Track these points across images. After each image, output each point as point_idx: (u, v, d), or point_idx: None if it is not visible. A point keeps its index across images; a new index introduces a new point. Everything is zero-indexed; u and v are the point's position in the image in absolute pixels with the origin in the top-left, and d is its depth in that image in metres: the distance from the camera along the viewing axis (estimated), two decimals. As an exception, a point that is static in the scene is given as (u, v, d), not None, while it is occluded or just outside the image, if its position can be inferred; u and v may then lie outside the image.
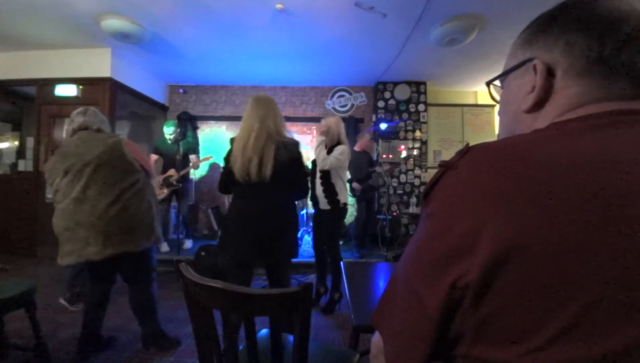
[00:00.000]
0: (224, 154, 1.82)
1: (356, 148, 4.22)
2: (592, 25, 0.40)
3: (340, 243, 4.62)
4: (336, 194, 2.57)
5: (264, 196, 1.72)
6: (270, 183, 1.69)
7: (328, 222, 2.66)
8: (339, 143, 2.63)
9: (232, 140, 1.80)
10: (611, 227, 0.29)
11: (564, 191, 0.31)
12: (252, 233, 1.71)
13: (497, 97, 0.55)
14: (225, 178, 1.79)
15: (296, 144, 1.77)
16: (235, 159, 1.70)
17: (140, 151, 1.98)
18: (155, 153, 4.06)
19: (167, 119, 5.43)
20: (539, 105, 0.44)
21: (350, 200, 4.66)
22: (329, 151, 2.57)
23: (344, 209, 2.64)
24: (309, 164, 2.72)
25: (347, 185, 4.22)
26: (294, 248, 1.81)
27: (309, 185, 1.90)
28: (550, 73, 0.42)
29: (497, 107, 0.56)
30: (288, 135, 1.79)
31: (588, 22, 0.40)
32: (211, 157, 4.31)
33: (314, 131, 5.29)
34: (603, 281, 0.29)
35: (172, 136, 4.01)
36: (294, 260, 1.88)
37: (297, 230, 1.85)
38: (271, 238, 1.71)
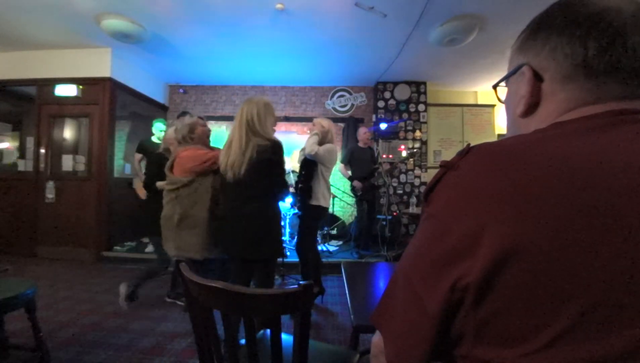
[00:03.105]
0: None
1: (360, 144, 4.27)
2: (575, 27, 0.39)
3: (340, 243, 4.63)
4: (309, 198, 2.57)
5: (239, 196, 1.77)
6: (244, 183, 1.73)
7: (301, 221, 2.74)
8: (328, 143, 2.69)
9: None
10: (611, 228, 0.29)
11: (564, 192, 0.31)
12: (232, 231, 1.78)
13: (504, 99, 0.55)
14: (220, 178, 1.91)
15: (271, 145, 1.75)
16: (221, 161, 1.81)
17: (190, 159, 2.05)
18: (139, 152, 3.96)
19: (169, 118, 5.42)
20: (530, 110, 0.45)
21: (351, 200, 4.70)
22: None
23: (316, 209, 2.61)
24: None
25: (348, 183, 4.29)
26: (273, 248, 1.82)
27: (285, 185, 1.89)
28: (539, 78, 0.43)
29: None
30: (269, 136, 1.80)
31: (571, 24, 0.40)
32: None
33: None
34: (604, 282, 0.29)
35: (163, 133, 3.96)
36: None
37: (276, 230, 1.84)
38: (248, 237, 1.74)
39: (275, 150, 1.76)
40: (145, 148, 3.93)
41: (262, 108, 1.80)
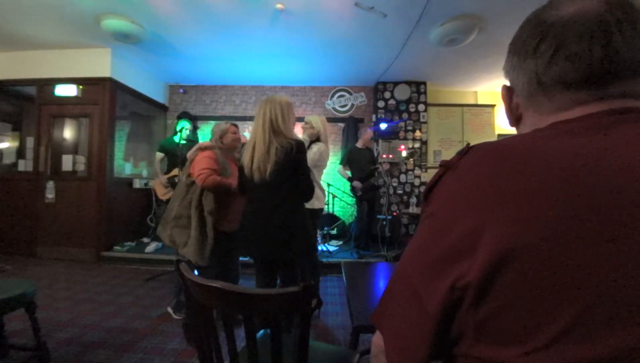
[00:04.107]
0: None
1: (358, 145, 4.28)
2: (527, 46, 0.42)
3: (340, 243, 4.63)
4: None
5: (266, 197, 1.75)
6: (271, 184, 1.71)
7: None
8: (318, 139, 2.53)
9: (245, 143, 1.87)
10: (610, 228, 0.29)
11: (563, 193, 0.31)
12: (256, 232, 1.75)
13: None
14: (240, 179, 1.89)
15: (295, 145, 1.72)
16: (243, 162, 1.79)
17: (201, 162, 2.09)
18: (161, 152, 3.97)
19: (169, 119, 5.44)
20: (516, 122, 0.48)
21: (351, 200, 4.70)
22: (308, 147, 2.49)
23: (310, 211, 2.42)
24: None
25: (348, 184, 4.29)
26: (300, 248, 1.80)
27: (311, 184, 1.83)
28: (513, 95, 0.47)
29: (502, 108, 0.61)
30: (293, 135, 1.78)
31: (524, 43, 0.42)
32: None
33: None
34: (603, 282, 0.29)
35: (188, 132, 3.98)
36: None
37: (300, 232, 1.80)
38: (272, 238, 1.72)
39: (300, 149, 1.73)
40: (166, 147, 3.96)
41: (285, 107, 1.77)
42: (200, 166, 2.07)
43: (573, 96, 0.39)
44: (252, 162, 1.73)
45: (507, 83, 0.49)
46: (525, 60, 0.42)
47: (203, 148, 2.19)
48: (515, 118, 0.48)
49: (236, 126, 2.35)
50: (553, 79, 0.39)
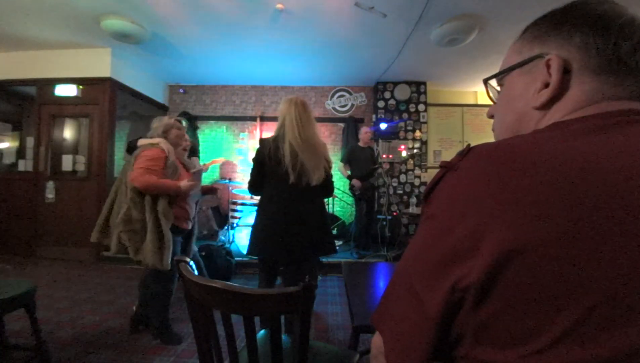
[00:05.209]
0: (253, 154, 1.86)
1: (360, 144, 4.30)
2: (608, 24, 0.40)
3: (340, 243, 4.62)
4: None
5: (303, 199, 1.77)
6: (312, 186, 1.76)
7: None
8: None
9: (262, 141, 1.82)
10: (613, 229, 0.29)
11: (565, 193, 0.31)
12: (291, 234, 1.74)
13: (494, 96, 0.54)
14: (258, 178, 1.82)
15: (326, 147, 1.86)
16: (288, 161, 1.70)
17: (139, 159, 1.94)
18: None
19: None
20: (551, 101, 0.43)
21: (350, 200, 4.70)
22: None
23: None
24: None
25: (347, 183, 4.29)
26: (332, 245, 1.90)
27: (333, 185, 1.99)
28: (564, 69, 0.42)
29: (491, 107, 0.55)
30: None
31: (605, 20, 0.40)
32: (222, 160, 4.25)
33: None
34: (605, 283, 0.29)
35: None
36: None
37: (330, 229, 1.95)
38: (315, 238, 1.77)
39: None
40: None
41: None
42: (137, 163, 1.90)
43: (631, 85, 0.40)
44: (298, 165, 1.70)
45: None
46: (605, 36, 0.40)
47: (154, 144, 2.01)
48: (553, 96, 0.43)
49: (180, 121, 2.24)
50: (637, 63, 0.39)
